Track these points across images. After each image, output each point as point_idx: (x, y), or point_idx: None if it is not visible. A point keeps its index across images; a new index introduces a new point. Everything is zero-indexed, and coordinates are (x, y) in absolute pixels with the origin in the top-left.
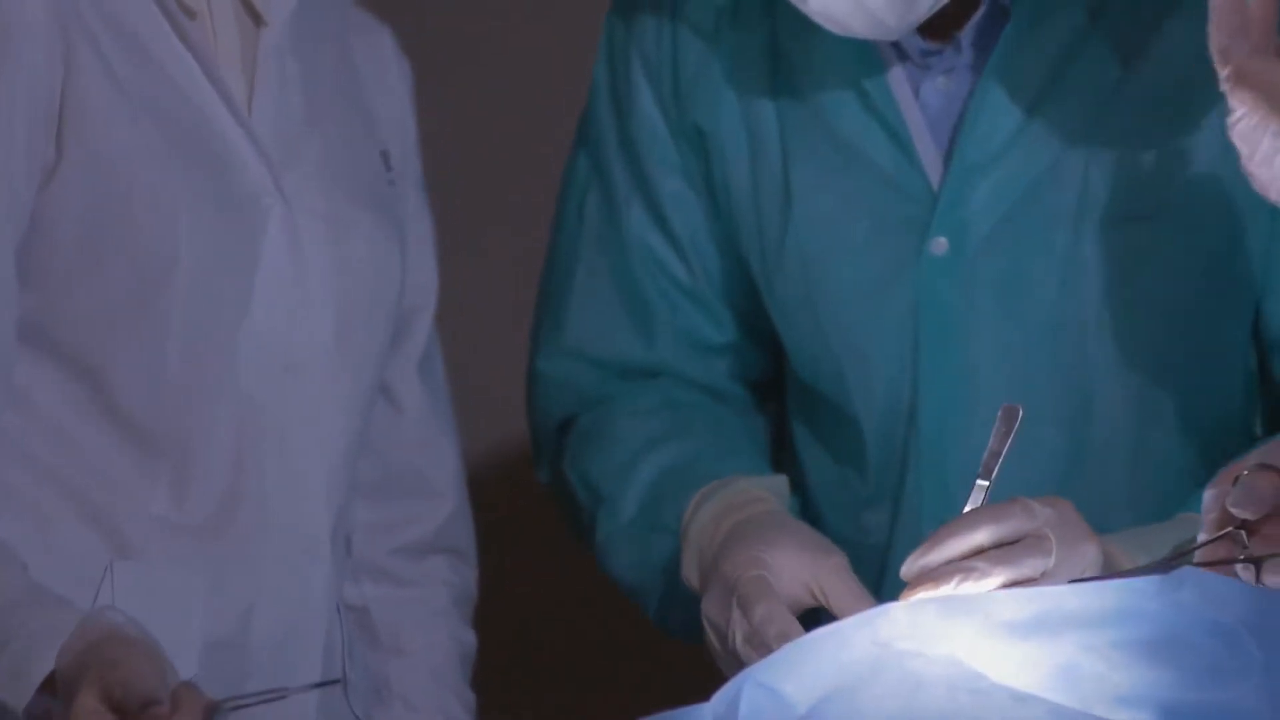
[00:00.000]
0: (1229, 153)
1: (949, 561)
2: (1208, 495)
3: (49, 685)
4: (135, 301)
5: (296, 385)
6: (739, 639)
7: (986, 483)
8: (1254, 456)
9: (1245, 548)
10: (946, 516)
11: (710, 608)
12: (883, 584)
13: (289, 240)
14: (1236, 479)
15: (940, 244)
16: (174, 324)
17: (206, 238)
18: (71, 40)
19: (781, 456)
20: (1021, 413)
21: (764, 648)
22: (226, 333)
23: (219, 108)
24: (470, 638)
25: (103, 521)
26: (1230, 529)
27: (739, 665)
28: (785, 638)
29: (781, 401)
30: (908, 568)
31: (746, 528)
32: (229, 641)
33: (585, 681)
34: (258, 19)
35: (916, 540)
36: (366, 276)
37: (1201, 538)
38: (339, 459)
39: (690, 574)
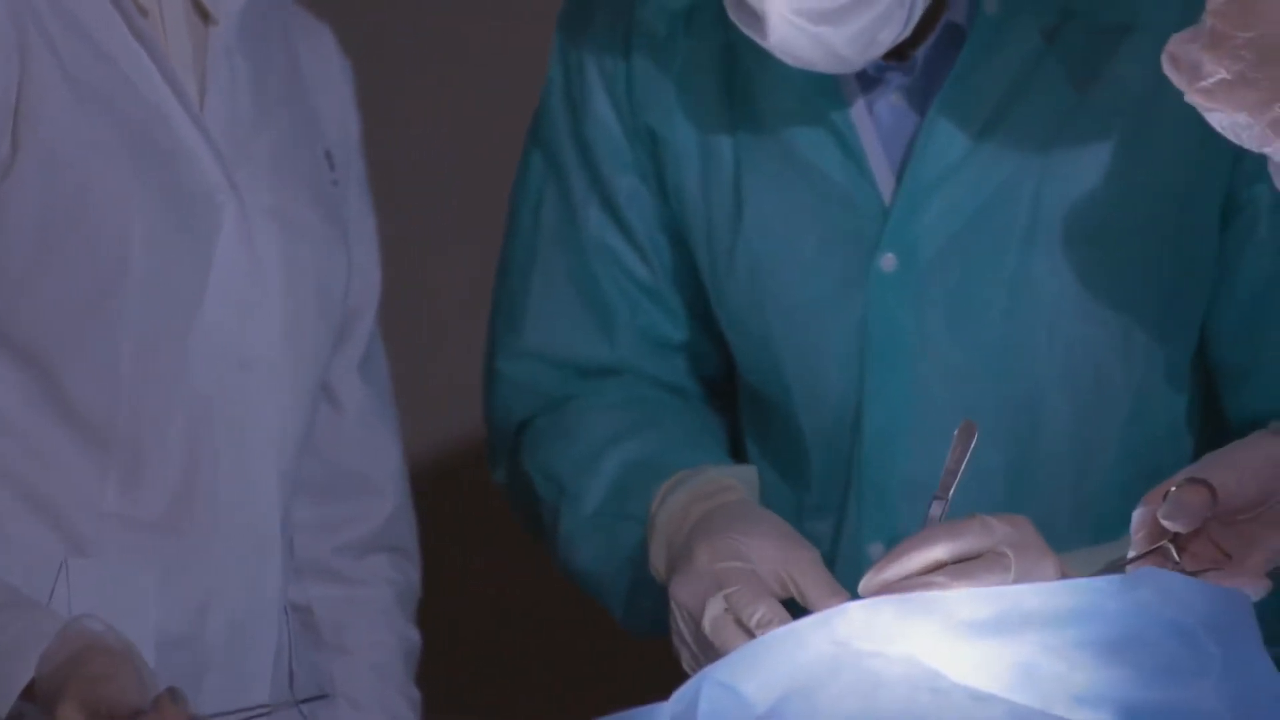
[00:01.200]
0: (1180, 175)
1: (908, 576)
2: (1137, 513)
3: (27, 691)
4: (90, 297)
5: (248, 382)
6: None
7: (944, 500)
8: (1184, 473)
9: (1176, 562)
10: (889, 531)
11: (682, 592)
12: None
13: (242, 237)
14: (1166, 495)
15: (889, 260)
16: (128, 320)
17: (160, 234)
18: (27, 36)
19: (737, 461)
20: (977, 431)
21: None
22: (180, 329)
23: (173, 104)
24: (414, 635)
25: (57, 518)
26: (1160, 544)
27: (711, 650)
28: None
29: (735, 406)
30: (866, 582)
31: (717, 515)
32: (184, 638)
33: (541, 680)
34: (207, 17)
35: (858, 553)
36: (315, 274)
37: (1131, 554)
38: (289, 456)
39: (658, 563)
